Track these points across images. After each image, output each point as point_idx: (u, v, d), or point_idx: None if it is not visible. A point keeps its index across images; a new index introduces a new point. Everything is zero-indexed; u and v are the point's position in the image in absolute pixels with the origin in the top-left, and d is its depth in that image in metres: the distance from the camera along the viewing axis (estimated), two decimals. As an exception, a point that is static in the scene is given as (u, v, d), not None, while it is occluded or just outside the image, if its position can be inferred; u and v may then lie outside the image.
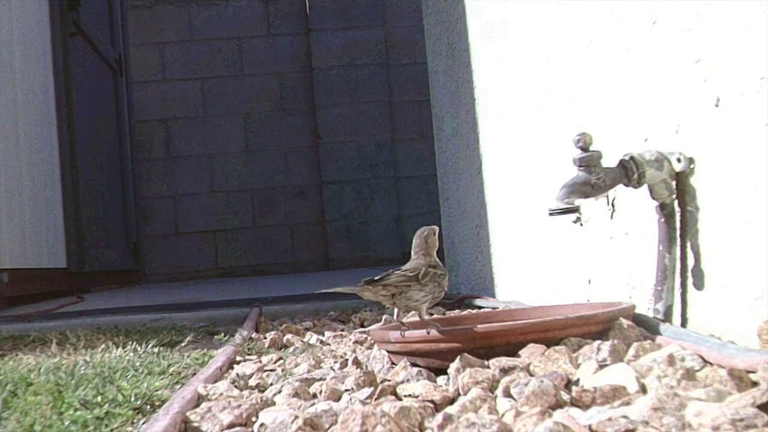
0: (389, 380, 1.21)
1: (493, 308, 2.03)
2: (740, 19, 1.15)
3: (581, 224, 1.75)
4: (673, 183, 1.33)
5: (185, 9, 6.28)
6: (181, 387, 1.33)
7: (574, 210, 1.33)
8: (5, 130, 3.57)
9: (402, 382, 1.19)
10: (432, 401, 1.06)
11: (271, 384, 1.34)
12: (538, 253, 2.04)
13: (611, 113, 1.56)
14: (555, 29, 1.83)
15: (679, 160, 1.31)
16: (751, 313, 1.15)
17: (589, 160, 1.35)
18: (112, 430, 1.10)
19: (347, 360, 1.48)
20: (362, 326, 2.22)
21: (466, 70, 2.53)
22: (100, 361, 1.66)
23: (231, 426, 1.05)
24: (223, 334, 2.21)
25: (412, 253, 1.41)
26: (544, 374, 1.08)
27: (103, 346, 1.98)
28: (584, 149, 1.36)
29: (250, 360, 1.63)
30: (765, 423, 0.79)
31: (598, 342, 1.18)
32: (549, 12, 1.85)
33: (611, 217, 1.60)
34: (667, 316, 1.34)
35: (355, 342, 1.80)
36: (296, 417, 0.96)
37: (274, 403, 1.12)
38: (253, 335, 2.10)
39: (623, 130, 1.51)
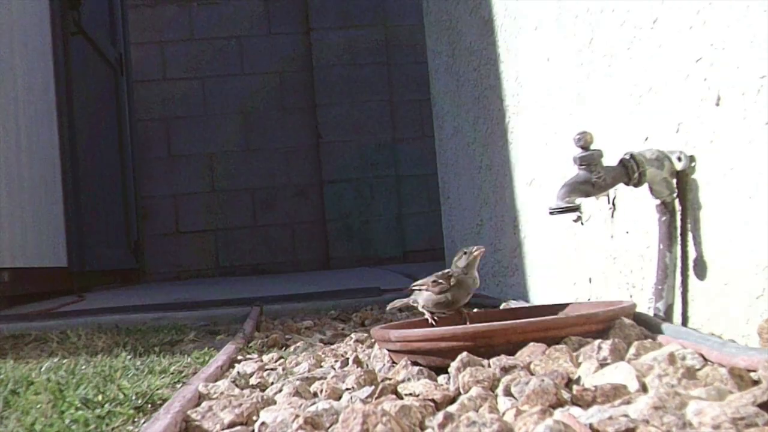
0: (390, 379, 1.21)
1: (494, 306, 2.03)
2: (740, 18, 1.15)
3: (582, 223, 1.75)
4: (674, 182, 1.33)
5: (186, 8, 6.27)
6: (182, 386, 1.33)
7: (575, 209, 1.33)
8: (6, 129, 3.57)
9: (403, 381, 1.19)
10: (433, 400, 1.06)
11: (272, 383, 1.34)
12: (538, 252, 2.04)
13: (611, 112, 1.56)
14: (555, 28, 1.83)
15: (679, 159, 1.31)
16: (752, 312, 1.15)
17: (589, 159, 1.35)
18: (113, 429, 1.10)
19: (348, 359, 1.48)
20: (363, 325, 2.22)
21: (467, 69, 2.53)
22: (101, 360, 1.66)
23: (232, 425, 1.05)
24: (223, 333, 2.21)
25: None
26: (545, 373, 1.08)
27: (103, 345, 1.98)
28: (585, 148, 1.36)
29: (251, 359, 1.63)
30: (766, 422, 0.79)
31: (598, 341, 1.18)
32: (549, 11, 1.85)
33: (612, 216, 1.60)
34: (668, 315, 1.34)
35: (356, 341, 1.80)
36: (297, 416, 0.96)
37: (274, 402, 1.12)
38: (254, 334, 2.10)
39: (624, 129, 1.51)
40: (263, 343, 1.89)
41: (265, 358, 1.63)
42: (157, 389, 1.32)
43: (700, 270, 1.29)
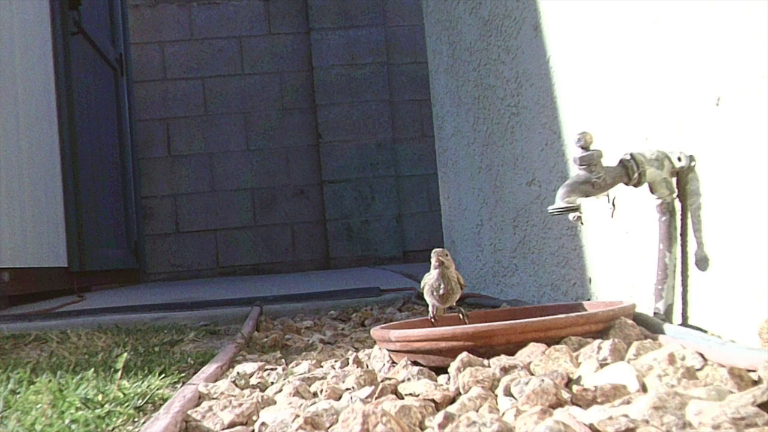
0: (390, 379, 1.21)
1: (494, 306, 2.03)
2: (741, 18, 1.15)
3: (582, 223, 1.75)
4: (674, 182, 1.33)
5: (186, 8, 6.28)
6: (182, 386, 1.33)
7: (575, 209, 1.33)
8: (6, 129, 3.57)
9: (403, 381, 1.19)
10: (433, 400, 1.06)
11: (272, 383, 1.34)
12: (538, 252, 2.04)
13: (611, 112, 1.56)
14: (555, 28, 1.83)
15: (679, 159, 1.31)
16: (752, 312, 1.15)
17: (589, 159, 1.35)
18: (113, 429, 1.10)
19: (348, 359, 1.48)
20: (362, 325, 2.22)
21: (467, 69, 2.53)
22: (101, 360, 1.66)
23: (232, 425, 1.05)
24: (223, 333, 2.21)
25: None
26: (545, 373, 1.08)
27: (103, 345, 1.98)
28: (585, 148, 1.36)
29: (251, 359, 1.63)
30: (765, 422, 0.79)
31: (598, 341, 1.18)
32: (549, 11, 1.85)
33: (612, 216, 1.60)
34: (668, 315, 1.34)
35: (356, 341, 1.80)
36: (297, 416, 0.96)
37: (274, 402, 1.12)
38: (254, 334, 2.10)
39: (624, 129, 1.51)
40: (263, 343, 1.89)
41: (265, 357, 1.63)
42: (157, 389, 1.32)
43: (700, 270, 1.29)
